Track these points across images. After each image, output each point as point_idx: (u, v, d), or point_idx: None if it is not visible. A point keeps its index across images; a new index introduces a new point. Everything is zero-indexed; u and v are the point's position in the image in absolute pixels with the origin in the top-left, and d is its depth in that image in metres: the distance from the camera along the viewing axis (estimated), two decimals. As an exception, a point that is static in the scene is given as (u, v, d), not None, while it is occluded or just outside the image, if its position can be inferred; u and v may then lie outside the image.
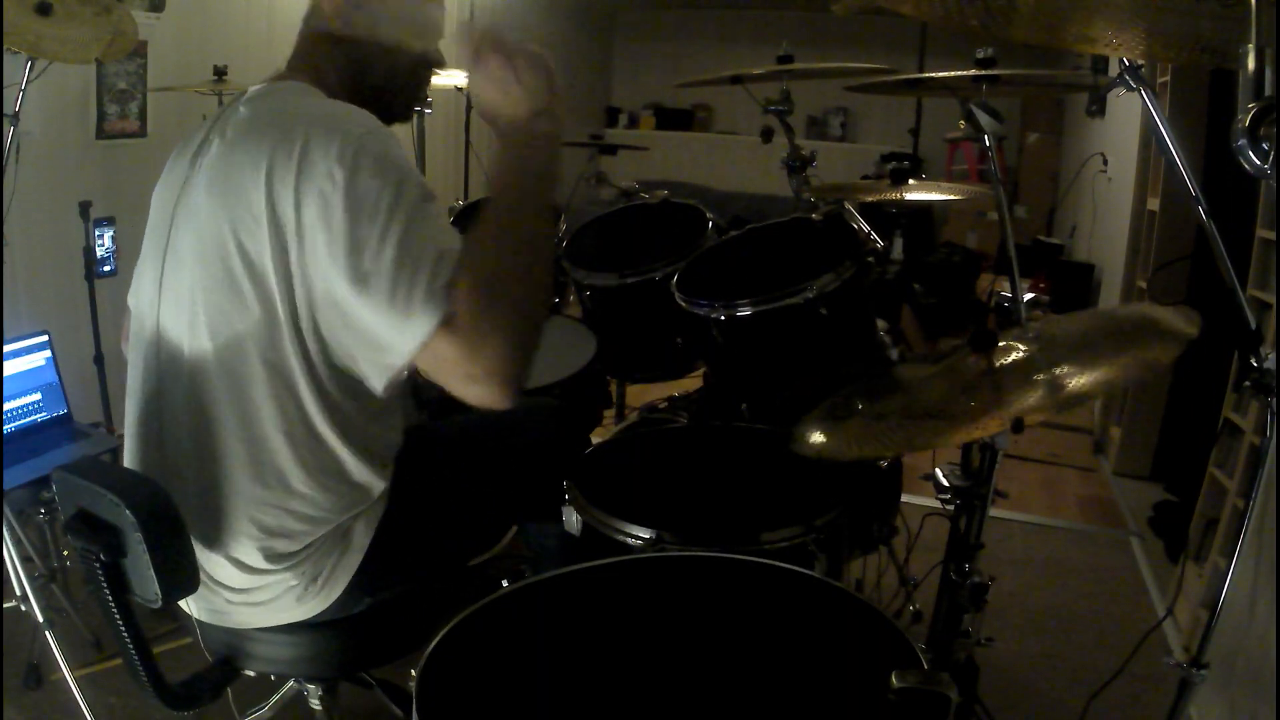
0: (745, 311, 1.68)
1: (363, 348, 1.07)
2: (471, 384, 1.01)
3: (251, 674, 1.31)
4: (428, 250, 1.02)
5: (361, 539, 1.23)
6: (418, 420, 1.31)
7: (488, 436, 1.50)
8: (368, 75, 1.25)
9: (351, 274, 1.02)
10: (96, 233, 2.53)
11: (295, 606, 1.21)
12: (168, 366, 1.17)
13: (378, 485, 1.23)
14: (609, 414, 2.72)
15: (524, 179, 1.11)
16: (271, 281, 1.07)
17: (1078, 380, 1.08)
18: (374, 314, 1.02)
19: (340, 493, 1.19)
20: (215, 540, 1.18)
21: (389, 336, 1.02)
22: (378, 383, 1.08)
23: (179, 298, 1.15)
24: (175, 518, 1.09)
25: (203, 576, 1.18)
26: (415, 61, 1.27)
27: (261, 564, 1.18)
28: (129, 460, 1.26)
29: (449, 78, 2.89)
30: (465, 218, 2.55)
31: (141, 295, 1.23)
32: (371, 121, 1.10)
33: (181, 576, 1.11)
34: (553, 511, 1.45)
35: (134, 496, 1.06)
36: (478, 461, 1.44)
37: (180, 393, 1.16)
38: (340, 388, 1.14)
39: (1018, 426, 0.98)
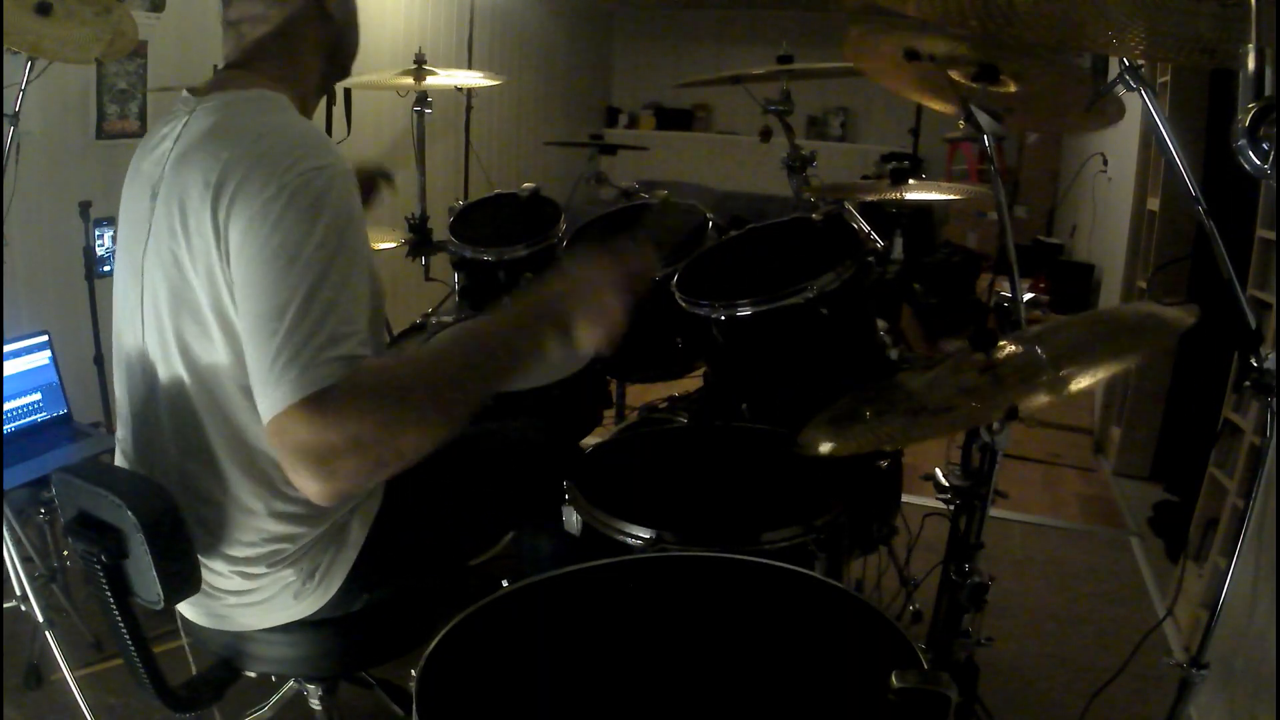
0: (745, 311, 1.68)
1: (254, 387, 0.99)
2: (305, 471, 0.92)
3: (252, 675, 1.31)
4: (330, 315, 0.96)
5: (357, 535, 1.23)
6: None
7: (484, 437, 1.50)
8: (338, 50, 1.26)
9: (249, 311, 0.98)
10: (96, 233, 2.53)
11: (293, 604, 1.21)
12: (152, 382, 1.16)
13: None
14: (609, 414, 2.72)
15: (521, 357, 1.06)
16: (233, 315, 1.04)
17: (1076, 371, 1.08)
18: (255, 360, 0.97)
19: None
20: (212, 549, 1.17)
21: (261, 389, 0.96)
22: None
23: (153, 318, 1.13)
24: (177, 519, 1.09)
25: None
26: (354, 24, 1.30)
27: (261, 567, 1.17)
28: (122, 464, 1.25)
29: (449, 78, 2.89)
30: (464, 218, 2.55)
31: (122, 309, 1.20)
32: (330, 156, 1.05)
33: (184, 577, 1.11)
34: (548, 515, 1.45)
35: (136, 498, 1.06)
36: (474, 461, 1.44)
37: (166, 409, 1.15)
38: None
39: (1013, 414, 0.98)
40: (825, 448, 1.25)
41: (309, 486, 0.94)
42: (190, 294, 1.06)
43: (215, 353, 1.07)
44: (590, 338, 1.08)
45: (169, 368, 1.12)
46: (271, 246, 0.98)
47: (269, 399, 0.94)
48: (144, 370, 1.17)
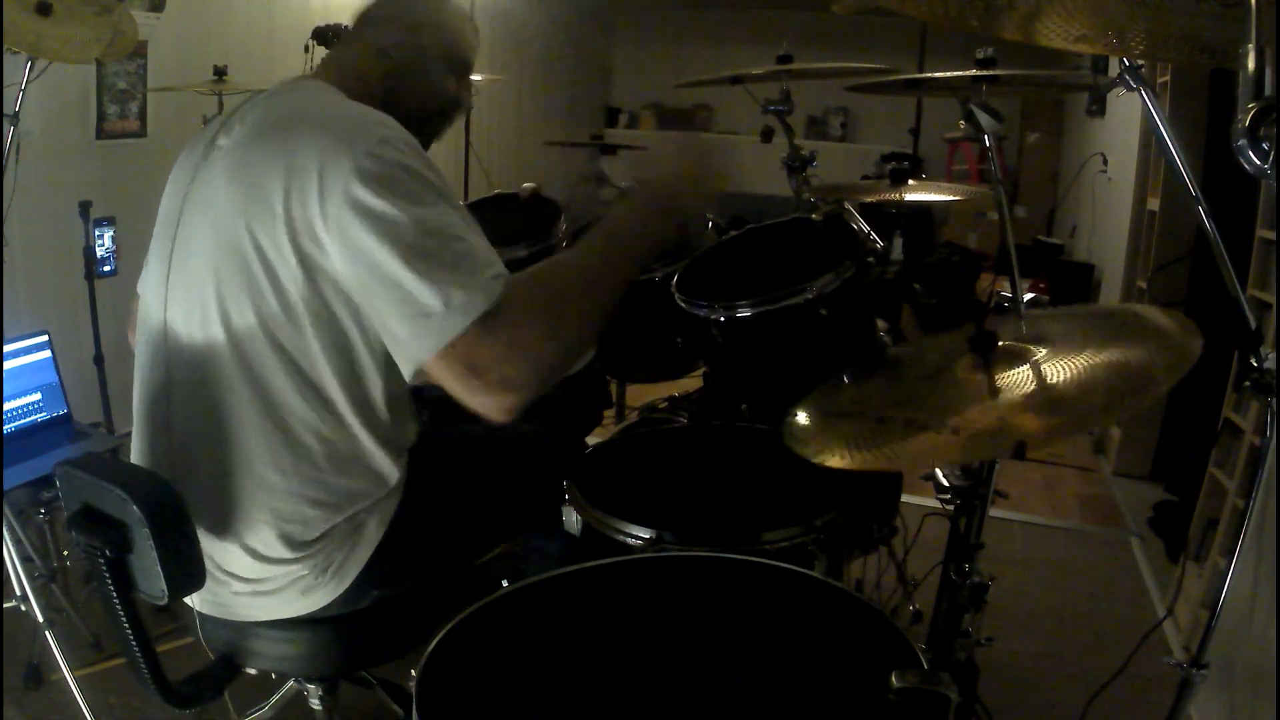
0: (745, 312, 1.67)
1: (397, 333, 1.04)
2: (483, 391, 1.01)
3: (253, 672, 1.32)
4: (454, 243, 1.03)
5: (374, 533, 1.23)
6: (417, 419, 1.30)
7: (499, 440, 1.50)
8: (403, 102, 1.28)
9: (373, 276, 1.02)
10: (96, 233, 2.54)
11: (301, 599, 1.21)
12: (177, 356, 1.18)
13: (394, 474, 1.23)
14: (609, 414, 2.72)
15: (644, 240, 1.17)
16: (287, 274, 1.08)
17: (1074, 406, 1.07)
18: (408, 301, 1.01)
19: (358, 479, 1.19)
20: (228, 529, 1.17)
21: (421, 324, 1.01)
22: (407, 370, 1.06)
23: (189, 288, 1.15)
24: (182, 513, 1.09)
25: (211, 567, 1.18)
26: (449, 101, 1.35)
27: (276, 552, 1.17)
28: (136, 450, 1.27)
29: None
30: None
31: (149, 285, 1.24)
32: (392, 125, 1.11)
33: (188, 572, 1.11)
34: (549, 516, 1.45)
35: (140, 491, 1.06)
36: (489, 463, 1.45)
37: (192, 382, 1.16)
38: (363, 374, 1.15)
39: (1019, 453, 0.98)
40: (800, 419, 1.26)
41: (488, 404, 1.01)
42: (248, 258, 1.09)
43: (263, 309, 1.10)
44: (697, 205, 1.24)
45: (205, 332, 1.14)
46: (375, 213, 1.02)
47: (430, 337, 1.00)
48: (167, 345, 1.19)
